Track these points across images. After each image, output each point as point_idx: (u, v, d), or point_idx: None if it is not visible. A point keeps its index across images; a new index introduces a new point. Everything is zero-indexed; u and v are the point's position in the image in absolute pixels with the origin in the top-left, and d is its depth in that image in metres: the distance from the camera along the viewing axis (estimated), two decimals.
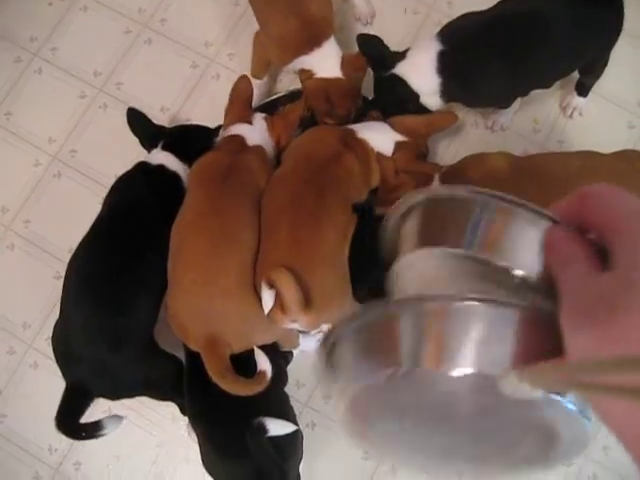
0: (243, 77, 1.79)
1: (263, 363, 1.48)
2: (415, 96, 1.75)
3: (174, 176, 1.71)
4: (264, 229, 1.54)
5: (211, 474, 1.52)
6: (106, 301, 1.49)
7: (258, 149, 1.68)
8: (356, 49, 1.98)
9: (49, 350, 1.89)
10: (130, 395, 1.62)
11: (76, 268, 1.56)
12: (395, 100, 1.77)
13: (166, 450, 1.87)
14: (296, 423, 1.54)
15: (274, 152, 1.77)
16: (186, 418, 1.85)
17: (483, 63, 1.70)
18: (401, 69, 1.74)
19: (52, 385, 1.88)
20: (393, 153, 1.71)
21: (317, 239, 1.47)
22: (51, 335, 1.57)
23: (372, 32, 1.98)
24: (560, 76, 1.83)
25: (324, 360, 0.63)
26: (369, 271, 1.54)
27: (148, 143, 1.79)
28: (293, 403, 1.72)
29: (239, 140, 1.67)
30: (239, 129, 1.71)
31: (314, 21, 1.76)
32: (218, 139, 1.74)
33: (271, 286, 1.39)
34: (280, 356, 1.68)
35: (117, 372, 1.50)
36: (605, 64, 1.84)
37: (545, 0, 1.66)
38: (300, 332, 1.68)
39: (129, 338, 1.50)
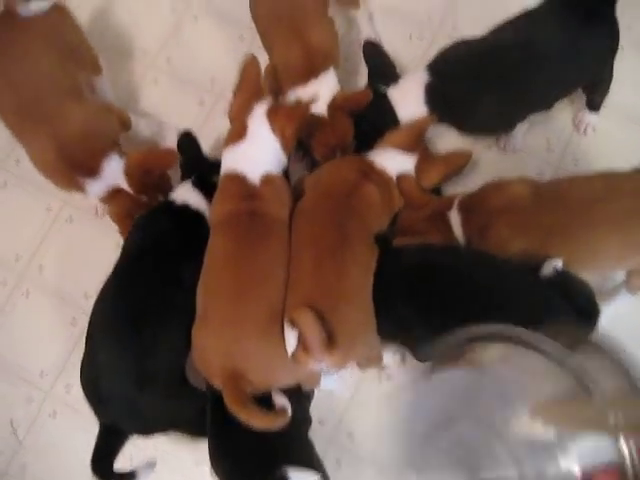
0: (250, 60, 1.66)
1: (282, 401, 1.46)
2: (396, 121, 1.78)
3: (197, 214, 1.69)
4: (290, 267, 1.52)
5: None
6: (132, 340, 1.48)
7: (266, 183, 1.59)
8: (361, 79, 1.98)
9: (68, 397, 1.89)
10: (162, 430, 1.62)
11: (101, 308, 1.56)
12: (376, 115, 1.78)
13: None
14: (323, 472, 1.48)
15: (284, 150, 1.65)
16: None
17: (475, 93, 1.70)
18: (392, 93, 1.78)
19: (72, 433, 1.88)
20: (417, 174, 1.70)
21: (340, 276, 1.45)
22: (80, 376, 1.55)
23: None
24: (559, 97, 1.80)
25: None
26: (394, 306, 1.51)
27: (186, 171, 1.79)
28: (316, 441, 1.68)
29: (241, 182, 1.58)
30: (234, 163, 1.61)
31: (315, 52, 1.75)
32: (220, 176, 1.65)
33: (295, 326, 1.37)
34: (304, 397, 1.64)
35: (147, 410, 1.50)
36: (609, 80, 1.82)
37: (536, 25, 1.67)
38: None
39: (157, 376, 1.49)
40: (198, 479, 1.83)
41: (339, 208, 1.55)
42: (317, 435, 1.75)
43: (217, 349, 1.44)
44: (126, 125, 1.91)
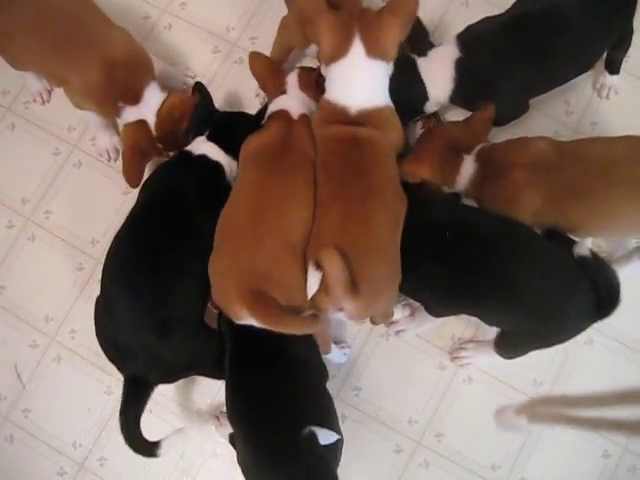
0: (253, 55, 1.77)
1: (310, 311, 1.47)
2: (424, 97, 1.73)
3: (216, 165, 1.68)
4: (316, 214, 1.51)
5: (247, 476, 1.45)
6: (149, 291, 1.47)
7: (303, 119, 1.66)
8: None
9: (72, 343, 1.88)
10: (185, 376, 1.65)
11: (115, 259, 1.54)
12: (405, 85, 1.69)
13: (193, 444, 1.83)
14: (339, 430, 1.47)
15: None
16: (213, 412, 1.82)
17: (505, 66, 1.67)
18: (422, 64, 1.72)
19: (75, 378, 1.87)
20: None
21: (368, 222, 1.43)
22: (96, 331, 1.54)
23: None
24: (591, 61, 1.76)
25: None
26: (420, 263, 1.49)
27: (197, 126, 1.75)
28: None
29: (284, 115, 1.67)
30: (280, 103, 1.71)
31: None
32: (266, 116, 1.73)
33: (318, 267, 1.35)
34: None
35: (170, 358, 1.51)
36: (631, 34, 1.78)
37: None
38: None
39: (176, 323, 1.49)
40: (201, 427, 1.84)
41: (351, 162, 1.51)
42: None
43: (233, 272, 1.44)
44: None
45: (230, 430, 1.61)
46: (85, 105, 1.76)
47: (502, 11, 1.71)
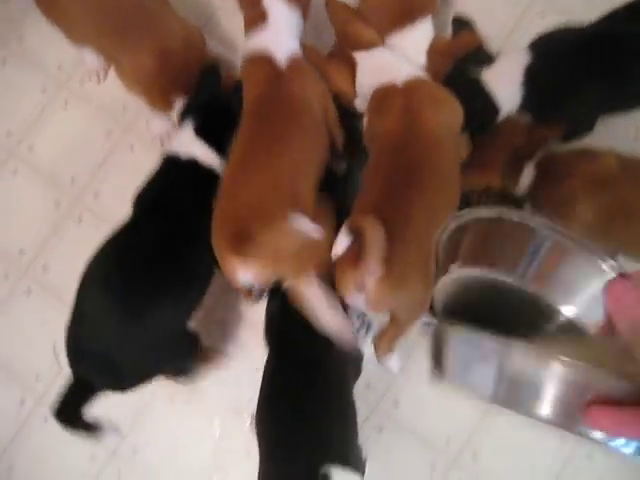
0: None
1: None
2: (495, 110, 1.64)
3: (209, 171, 1.54)
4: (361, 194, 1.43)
5: None
6: (121, 300, 1.35)
7: (293, 67, 1.49)
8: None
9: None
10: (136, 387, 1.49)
11: (98, 261, 1.41)
12: (471, 102, 1.60)
13: (226, 442, 1.80)
14: (361, 465, 1.40)
15: (304, 17, 1.60)
16: (249, 411, 1.80)
17: (578, 80, 1.59)
18: (487, 75, 1.63)
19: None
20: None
21: (408, 210, 1.33)
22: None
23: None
24: None
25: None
26: None
27: (191, 109, 1.62)
28: (362, 405, 1.63)
29: (267, 63, 1.49)
30: (258, 43, 1.52)
31: None
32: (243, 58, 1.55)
33: (352, 233, 1.24)
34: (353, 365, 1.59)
35: (124, 370, 1.40)
36: None
37: None
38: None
39: (140, 338, 1.38)
40: (235, 426, 1.82)
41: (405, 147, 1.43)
42: (363, 399, 1.72)
43: (222, 218, 1.36)
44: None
45: None
46: (133, 91, 1.70)
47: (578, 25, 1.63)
